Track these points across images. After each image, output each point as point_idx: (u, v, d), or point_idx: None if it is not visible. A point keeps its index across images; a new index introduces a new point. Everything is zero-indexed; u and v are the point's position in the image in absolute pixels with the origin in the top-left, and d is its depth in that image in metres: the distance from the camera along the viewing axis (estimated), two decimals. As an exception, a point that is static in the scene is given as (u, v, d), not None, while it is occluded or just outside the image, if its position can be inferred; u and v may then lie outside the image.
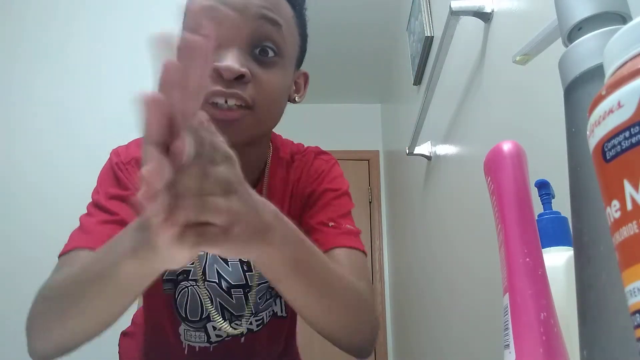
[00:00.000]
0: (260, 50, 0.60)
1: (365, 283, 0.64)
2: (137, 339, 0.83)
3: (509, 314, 0.34)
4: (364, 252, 0.71)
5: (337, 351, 0.65)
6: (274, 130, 0.78)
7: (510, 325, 0.34)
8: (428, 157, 1.79)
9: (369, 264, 3.13)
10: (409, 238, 2.34)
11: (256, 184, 0.73)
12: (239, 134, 0.59)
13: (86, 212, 0.65)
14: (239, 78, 0.57)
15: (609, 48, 0.23)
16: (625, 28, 0.22)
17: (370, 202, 3.32)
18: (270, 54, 0.61)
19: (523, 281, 0.34)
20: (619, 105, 0.20)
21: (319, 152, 0.80)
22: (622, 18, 0.32)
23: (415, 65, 2.02)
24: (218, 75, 0.56)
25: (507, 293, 0.35)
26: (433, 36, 1.74)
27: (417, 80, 2.01)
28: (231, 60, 0.56)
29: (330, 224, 0.69)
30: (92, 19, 1.96)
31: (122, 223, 0.61)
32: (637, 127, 0.19)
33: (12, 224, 1.64)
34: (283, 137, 0.82)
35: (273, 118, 0.66)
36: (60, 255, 0.60)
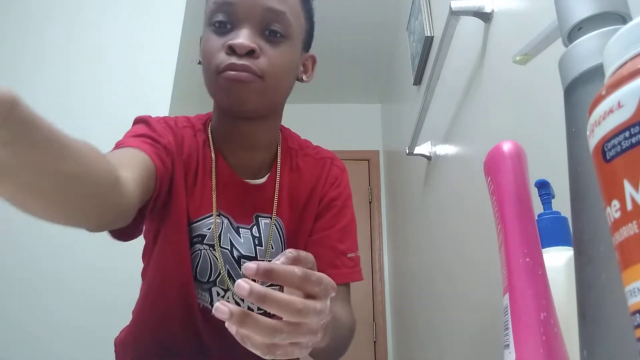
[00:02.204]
0: (269, 32, 0.69)
1: (352, 312, 0.78)
2: (134, 329, 0.84)
3: (509, 314, 0.34)
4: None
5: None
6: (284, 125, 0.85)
7: (510, 325, 0.34)
8: (428, 157, 1.79)
9: (368, 264, 3.13)
10: (409, 238, 2.34)
11: (270, 166, 0.81)
12: (248, 96, 0.67)
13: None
14: (250, 53, 0.66)
15: (609, 48, 0.23)
16: (625, 28, 0.22)
17: (370, 202, 3.31)
18: (278, 35, 0.69)
19: (523, 281, 0.34)
20: (619, 105, 0.20)
21: (331, 157, 0.88)
22: (622, 18, 0.32)
23: (415, 65, 2.02)
24: (232, 50, 0.66)
25: (507, 293, 0.35)
26: (433, 36, 1.74)
27: (417, 80, 2.01)
28: (243, 38, 0.66)
29: (349, 254, 0.81)
30: (95, 18, 1.96)
31: (152, 146, 0.67)
32: (637, 127, 0.19)
33: (17, 224, 1.64)
34: (290, 130, 0.88)
35: (280, 90, 0.72)
36: None
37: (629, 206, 0.19)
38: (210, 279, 0.77)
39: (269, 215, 0.80)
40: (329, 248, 0.80)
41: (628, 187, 0.19)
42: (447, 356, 1.52)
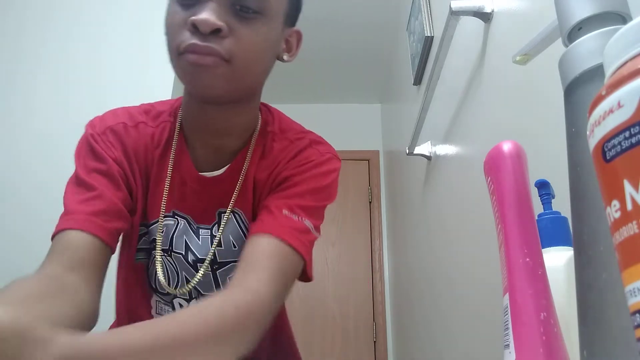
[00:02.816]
0: (240, 7, 0.58)
1: (268, 288, 0.55)
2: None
3: (509, 314, 0.34)
4: (299, 253, 0.62)
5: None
6: (277, 110, 0.77)
7: (510, 325, 0.34)
8: (428, 157, 1.79)
9: (369, 264, 3.13)
10: (409, 238, 2.34)
11: (235, 154, 0.71)
12: (213, 82, 0.58)
13: (67, 189, 0.65)
14: (216, 32, 0.56)
15: (609, 48, 0.23)
16: (625, 28, 0.22)
17: (370, 202, 3.31)
18: (250, 11, 0.59)
19: (523, 281, 0.34)
20: (619, 105, 0.20)
21: (316, 141, 0.73)
22: (622, 18, 0.32)
23: (415, 65, 2.01)
24: (195, 28, 0.56)
25: (507, 293, 0.35)
26: (433, 36, 1.74)
27: (417, 80, 2.01)
28: (208, 14, 0.55)
29: (285, 211, 0.63)
30: (94, 18, 1.96)
31: (101, 197, 0.62)
32: (637, 127, 0.19)
33: (19, 223, 1.64)
34: (283, 114, 0.78)
35: (252, 74, 0.63)
36: (52, 237, 0.60)
37: (629, 206, 0.19)
38: (170, 289, 0.70)
39: (229, 210, 0.70)
40: (267, 210, 0.64)
41: (628, 187, 0.19)
42: (447, 356, 1.52)
